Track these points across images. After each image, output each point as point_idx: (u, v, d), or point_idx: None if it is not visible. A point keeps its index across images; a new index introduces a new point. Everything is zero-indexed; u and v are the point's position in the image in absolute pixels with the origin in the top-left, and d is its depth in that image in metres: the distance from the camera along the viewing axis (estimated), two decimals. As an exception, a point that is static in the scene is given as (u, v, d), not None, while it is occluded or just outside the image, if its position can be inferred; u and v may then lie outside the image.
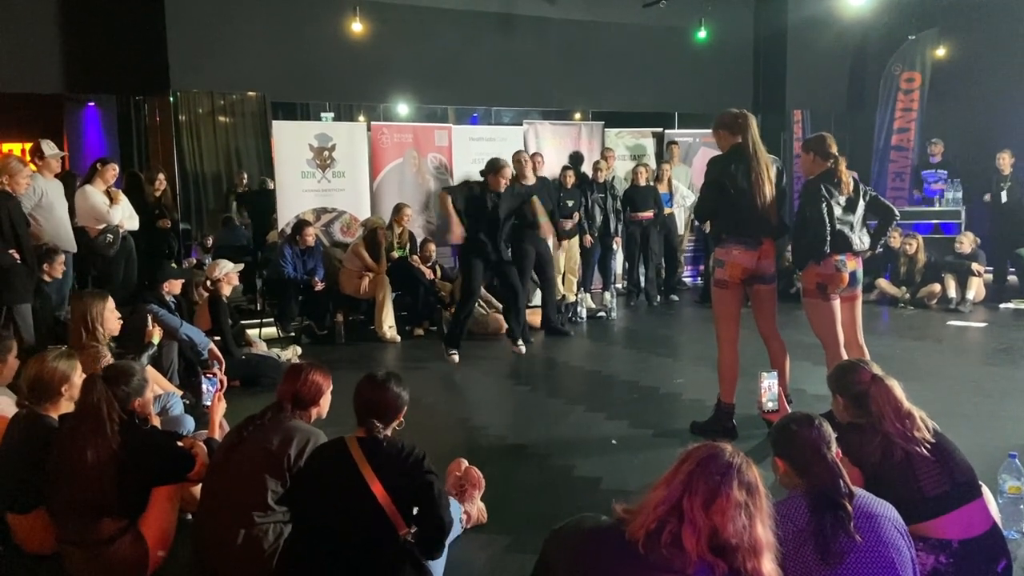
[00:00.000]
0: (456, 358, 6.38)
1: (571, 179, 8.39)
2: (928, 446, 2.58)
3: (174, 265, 7.55)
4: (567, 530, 2.13)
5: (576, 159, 9.11)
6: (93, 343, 4.11)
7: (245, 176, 9.31)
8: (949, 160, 9.74)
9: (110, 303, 4.29)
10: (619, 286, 9.50)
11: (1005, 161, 8.97)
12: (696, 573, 1.78)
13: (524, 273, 7.18)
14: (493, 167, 6.19)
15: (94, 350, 4.02)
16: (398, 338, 7.41)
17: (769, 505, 1.87)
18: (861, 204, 4.38)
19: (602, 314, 8.34)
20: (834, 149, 4.36)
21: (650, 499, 1.86)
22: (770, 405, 3.49)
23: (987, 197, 9.08)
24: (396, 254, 7.89)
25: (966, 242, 8.55)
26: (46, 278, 5.94)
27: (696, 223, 9.51)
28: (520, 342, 6.56)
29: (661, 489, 1.86)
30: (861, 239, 4.36)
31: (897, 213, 4.64)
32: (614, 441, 4.50)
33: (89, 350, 4.00)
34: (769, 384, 3.51)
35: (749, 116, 4.40)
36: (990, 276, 8.90)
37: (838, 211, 4.27)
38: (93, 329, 4.15)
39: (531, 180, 7.34)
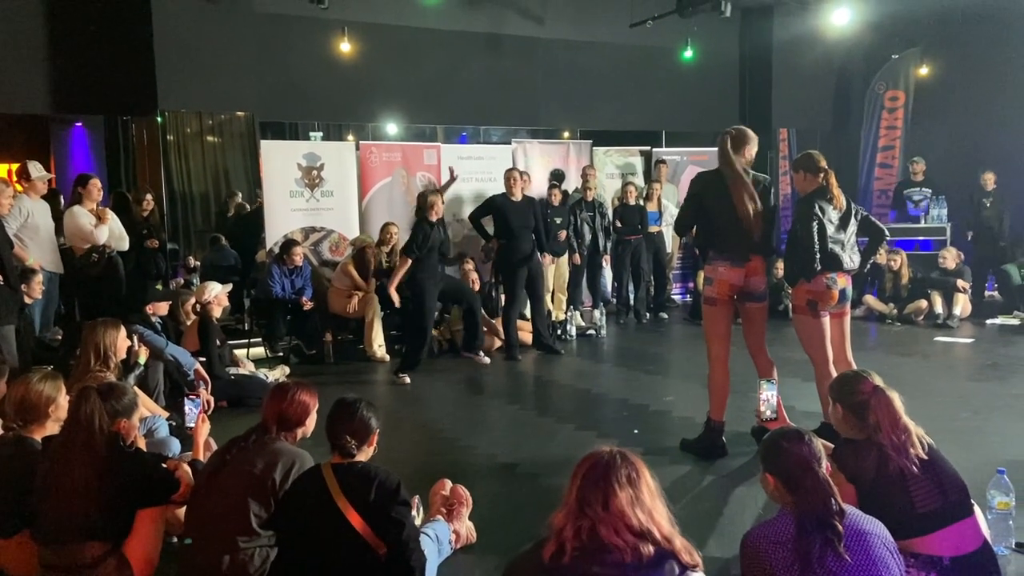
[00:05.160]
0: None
1: (558, 197, 8.42)
2: (919, 464, 2.58)
3: (159, 287, 7.51)
4: (517, 561, 2.14)
5: (558, 176, 9.14)
6: (102, 370, 4.07)
7: (239, 196, 9.26)
8: (931, 178, 9.85)
9: (122, 331, 4.27)
10: (608, 303, 9.50)
11: (989, 179, 9.12)
12: (631, 562, 1.87)
13: (515, 289, 7.26)
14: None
15: (101, 376, 3.98)
16: (388, 357, 7.37)
17: (656, 485, 1.99)
18: (853, 223, 4.41)
19: (591, 332, 8.34)
20: (823, 163, 4.39)
21: (556, 522, 1.96)
22: (768, 414, 3.53)
23: (969, 236, 9.29)
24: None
25: (949, 257, 8.59)
26: (27, 299, 5.89)
27: (683, 239, 9.60)
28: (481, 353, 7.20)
29: (562, 512, 1.97)
30: (852, 258, 4.38)
31: (887, 233, 4.68)
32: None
33: (96, 375, 3.96)
34: (768, 395, 3.55)
35: (748, 135, 4.43)
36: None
37: (831, 229, 4.30)
38: (106, 357, 4.13)
39: (518, 197, 7.32)
